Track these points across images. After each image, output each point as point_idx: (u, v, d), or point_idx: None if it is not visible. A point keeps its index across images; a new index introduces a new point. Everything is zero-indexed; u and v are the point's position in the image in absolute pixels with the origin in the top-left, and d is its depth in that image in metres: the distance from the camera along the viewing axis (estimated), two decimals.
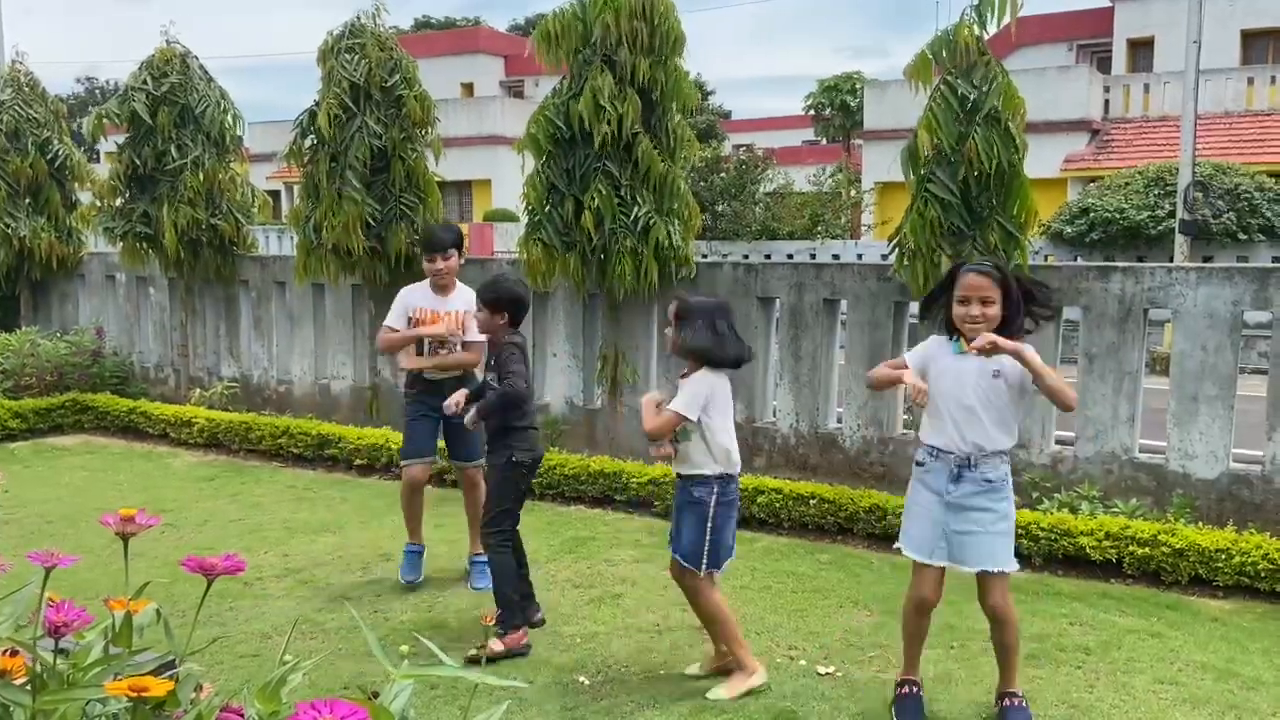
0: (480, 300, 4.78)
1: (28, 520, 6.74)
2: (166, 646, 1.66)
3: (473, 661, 4.26)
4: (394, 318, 5.58)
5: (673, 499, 4.41)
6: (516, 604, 4.65)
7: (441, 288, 5.57)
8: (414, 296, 5.60)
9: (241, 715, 1.50)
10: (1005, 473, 3.85)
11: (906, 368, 3.94)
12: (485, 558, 5.02)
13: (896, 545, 4.11)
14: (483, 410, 4.66)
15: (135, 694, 1.30)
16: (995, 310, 3.75)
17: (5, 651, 1.48)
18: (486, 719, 1.60)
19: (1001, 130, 6.23)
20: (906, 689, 4.02)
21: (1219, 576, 5.32)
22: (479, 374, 5.42)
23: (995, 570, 3.81)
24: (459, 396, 4.87)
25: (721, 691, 4.15)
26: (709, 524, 4.17)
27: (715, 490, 4.19)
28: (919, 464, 3.96)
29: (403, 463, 5.62)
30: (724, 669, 4.33)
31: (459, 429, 5.24)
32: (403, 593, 5.40)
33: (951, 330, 3.88)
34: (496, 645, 4.51)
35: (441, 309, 5.53)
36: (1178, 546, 5.41)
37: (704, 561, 4.18)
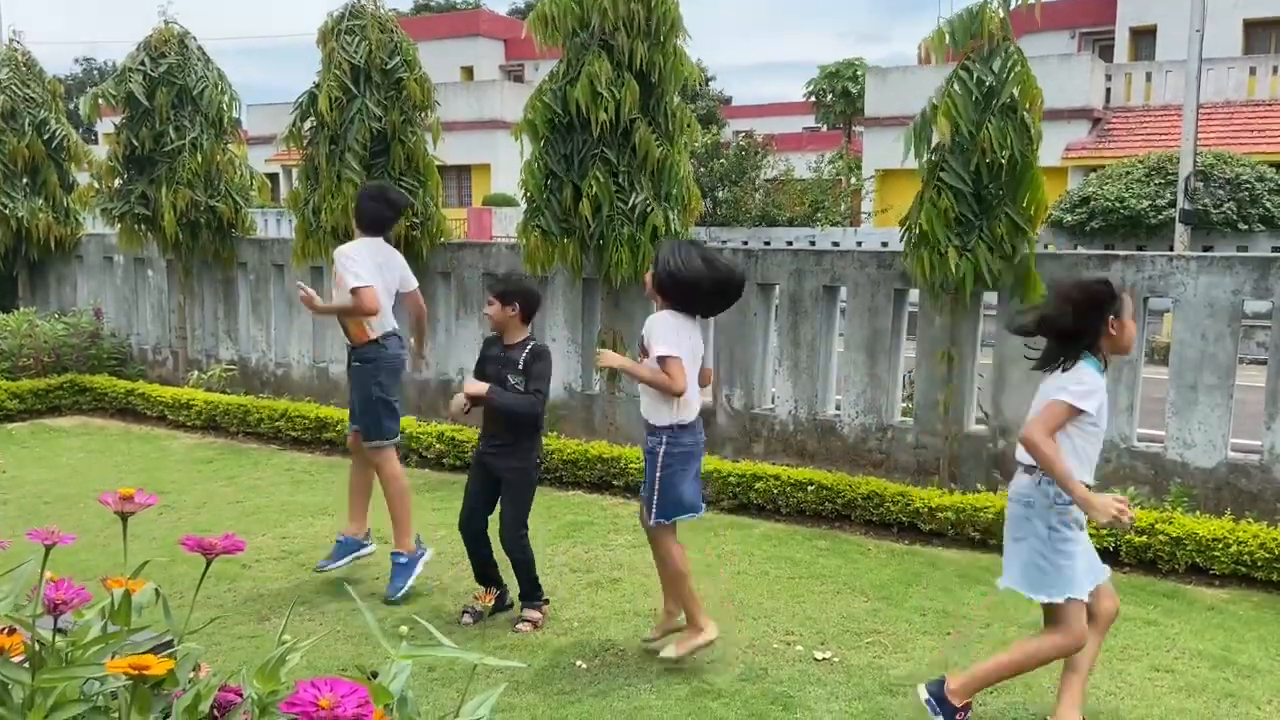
0: (493, 294, 4.74)
1: (26, 501, 6.74)
2: (164, 626, 1.66)
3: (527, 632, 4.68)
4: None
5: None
6: (537, 580, 4.87)
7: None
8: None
9: (240, 695, 1.49)
10: (1035, 497, 3.58)
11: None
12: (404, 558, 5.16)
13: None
14: (507, 403, 4.64)
15: (135, 672, 1.30)
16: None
17: (4, 630, 1.48)
18: (482, 701, 1.60)
19: (1017, 121, 6.16)
20: None
21: (1216, 565, 5.34)
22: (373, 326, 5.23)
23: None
24: (481, 388, 4.64)
25: (671, 650, 4.22)
26: (658, 473, 4.21)
27: (664, 440, 4.22)
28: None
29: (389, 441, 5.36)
30: (674, 629, 4.40)
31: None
32: None
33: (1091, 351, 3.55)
34: (536, 615, 4.77)
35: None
36: (1175, 535, 5.42)
37: (652, 511, 4.23)
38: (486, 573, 4.90)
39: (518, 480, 4.77)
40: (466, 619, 4.82)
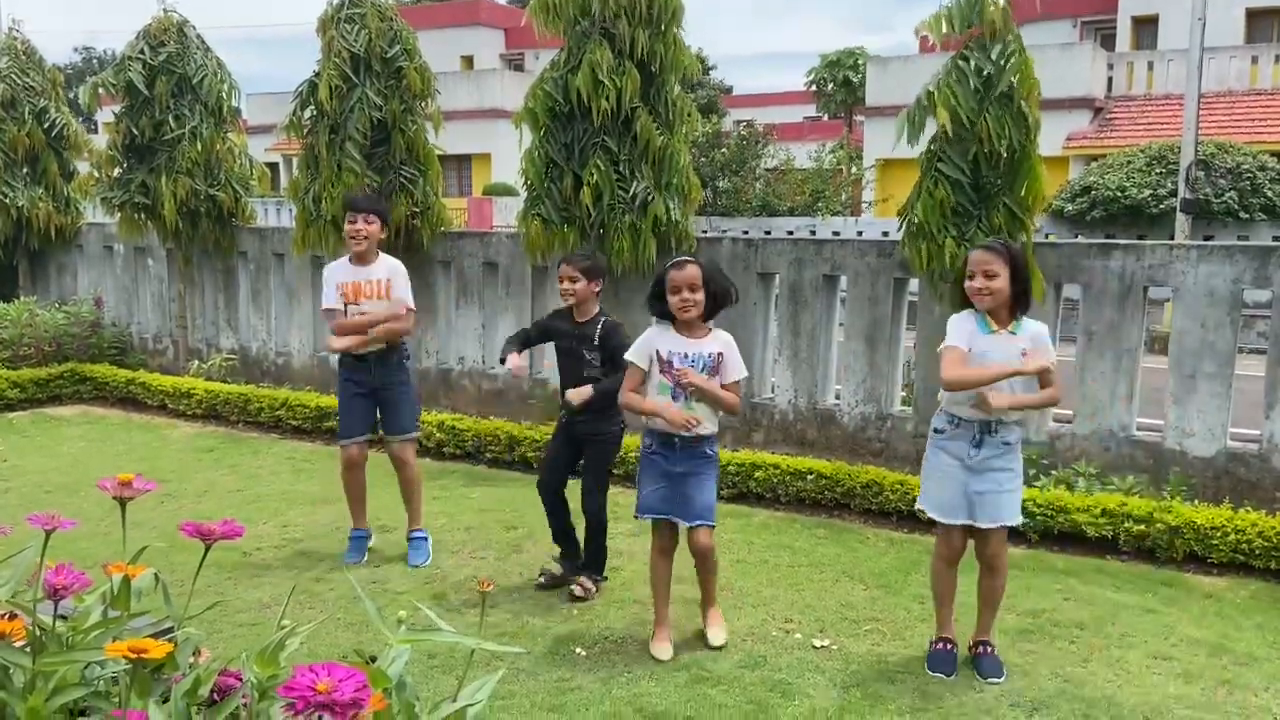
0: (578, 269, 4.87)
1: (26, 489, 6.75)
2: (164, 612, 1.67)
3: (577, 599, 4.86)
4: (331, 299, 5.36)
5: (673, 470, 4.30)
6: (605, 556, 5.11)
7: (360, 258, 5.38)
8: (339, 273, 5.39)
9: (240, 679, 1.50)
10: (1020, 434, 4.14)
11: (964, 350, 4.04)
12: (423, 533, 5.56)
13: (918, 507, 4.39)
14: (607, 388, 4.74)
15: (135, 656, 1.31)
16: (1000, 283, 3.96)
17: (5, 614, 1.49)
18: (481, 686, 1.61)
19: (1014, 110, 6.14)
20: (941, 644, 4.21)
21: (1214, 553, 5.35)
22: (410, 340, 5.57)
23: (1009, 524, 4.09)
24: (586, 392, 4.78)
25: (720, 635, 4.44)
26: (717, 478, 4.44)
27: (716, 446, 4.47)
28: (938, 431, 4.15)
29: (340, 443, 5.47)
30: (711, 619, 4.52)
31: (394, 403, 5.46)
32: (400, 564, 5.42)
33: (965, 305, 4.12)
34: (590, 585, 4.94)
35: (364, 278, 5.36)
36: (1173, 524, 5.43)
37: (713, 513, 4.41)
38: (566, 534, 5.14)
39: (602, 444, 4.99)
40: (542, 579, 5.05)
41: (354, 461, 5.44)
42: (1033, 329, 4.07)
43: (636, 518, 4.44)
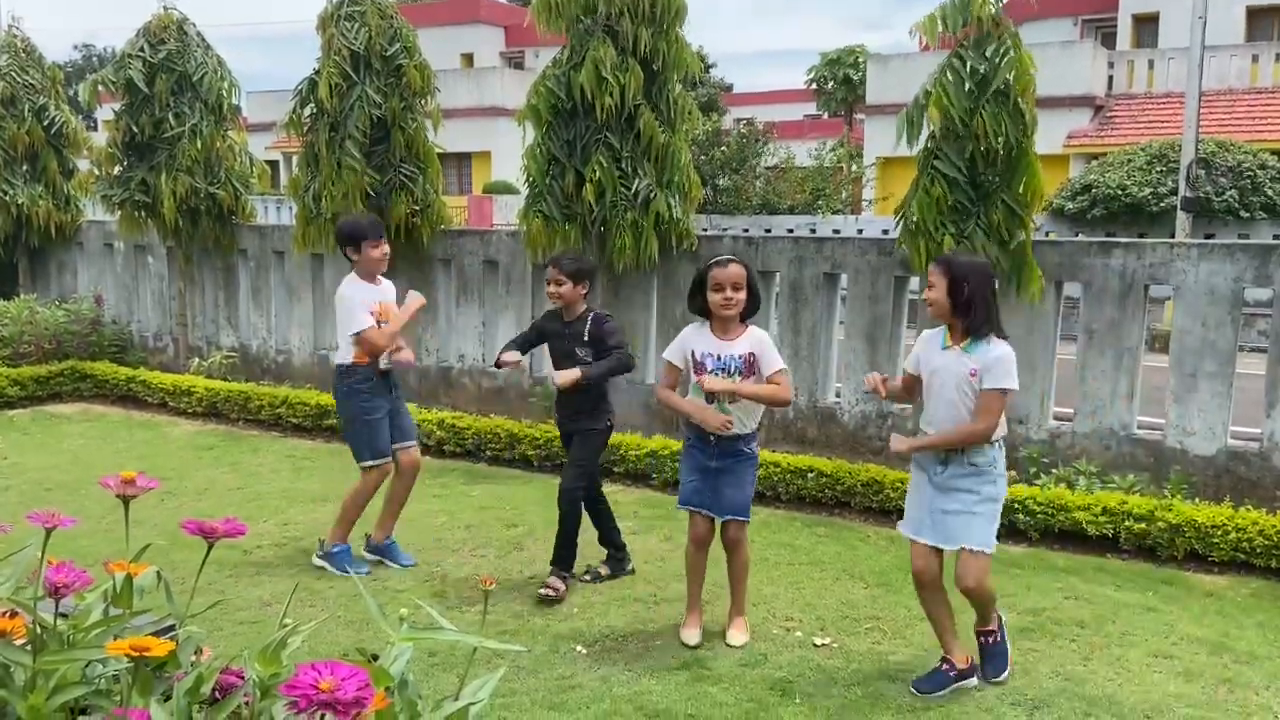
0: (564, 273, 4.95)
1: (27, 487, 6.75)
2: (166, 610, 1.66)
3: (547, 600, 4.84)
4: (366, 317, 5.24)
5: (709, 465, 4.35)
6: (574, 552, 5.03)
7: (374, 278, 5.40)
8: (365, 293, 5.32)
9: (242, 677, 1.50)
10: (994, 457, 3.89)
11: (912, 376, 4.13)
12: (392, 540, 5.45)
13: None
14: (599, 371, 4.85)
15: (136, 654, 1.30)
16: (935, 294, 3.89)
17: (6, 613, 1.49)
18: (481, 685, 1.61)
19: (1010, 107, 6.14)
20: (940, 663, 4.05)
21: (1215, 552, 5.35)
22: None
23: (972, 549, 3.85)
24: (574, 374, 4.80)
25: (739, 637, 4.43)
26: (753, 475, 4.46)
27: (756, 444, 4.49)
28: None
29: (373, 463, 5.32)
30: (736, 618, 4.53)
31: (403, 410, 5.51)
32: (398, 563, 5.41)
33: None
34: (559, 584, 4.91)
35: (389, 298, 5.42)
36: (1174, 522, 5.43)
37: (748, 510, 4.46)
38: (609, 538, 5.23)
39: (585, 437, 5.05)
40: (587, 577, 5.10)
41: (388, 473, 5.42)
42: (987, 352, 3.81)
43: (678, 508, 4.52)
